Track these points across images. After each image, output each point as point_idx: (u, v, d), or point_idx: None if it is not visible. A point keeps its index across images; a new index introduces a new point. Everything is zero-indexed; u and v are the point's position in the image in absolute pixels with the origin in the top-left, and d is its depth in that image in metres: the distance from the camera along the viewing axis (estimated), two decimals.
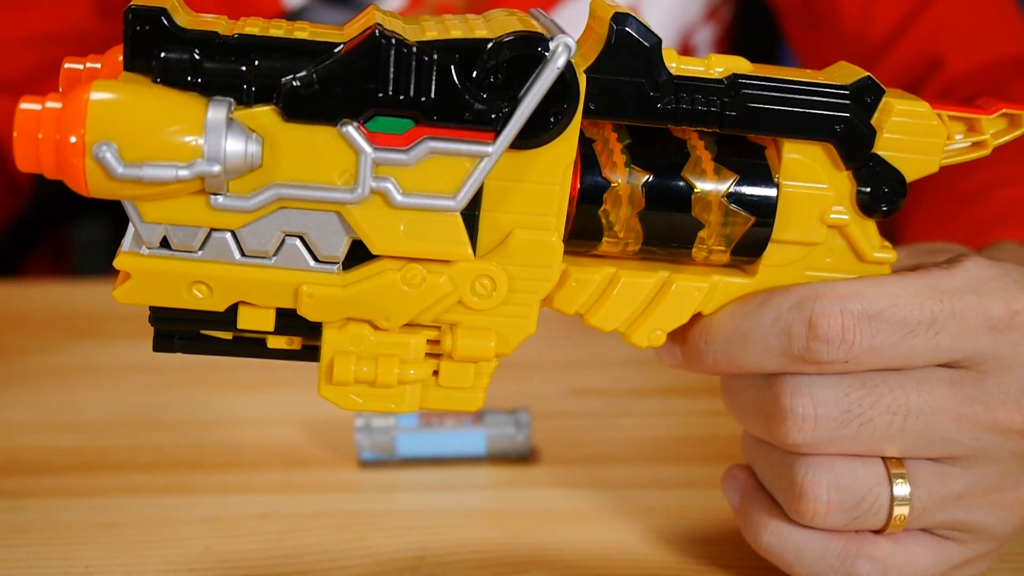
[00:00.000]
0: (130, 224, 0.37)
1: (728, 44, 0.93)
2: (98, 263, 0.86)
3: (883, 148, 0.40)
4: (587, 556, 0.48)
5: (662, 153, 0.40)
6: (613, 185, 0.39)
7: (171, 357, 0.64)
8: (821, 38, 0.81)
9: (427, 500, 0.52)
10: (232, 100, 0.36)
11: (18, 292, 0.76)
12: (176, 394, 0.61)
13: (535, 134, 0.37)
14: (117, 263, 0.37)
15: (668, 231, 0.40)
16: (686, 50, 0.88)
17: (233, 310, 0.38)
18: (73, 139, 0.34)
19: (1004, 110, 0.41)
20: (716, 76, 0.39)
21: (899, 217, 0.70)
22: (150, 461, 0.55)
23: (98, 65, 0.37)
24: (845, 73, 0.40)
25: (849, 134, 0.39)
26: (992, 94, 0.43)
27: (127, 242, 0.37)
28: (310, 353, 0.40)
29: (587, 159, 0.39)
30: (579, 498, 0.52)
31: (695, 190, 0.40)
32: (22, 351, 0.66)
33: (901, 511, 0.41)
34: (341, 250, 0.38)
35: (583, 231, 0.40)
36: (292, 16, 0.81)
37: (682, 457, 0.56)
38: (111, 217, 0.88)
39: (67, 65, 0.37)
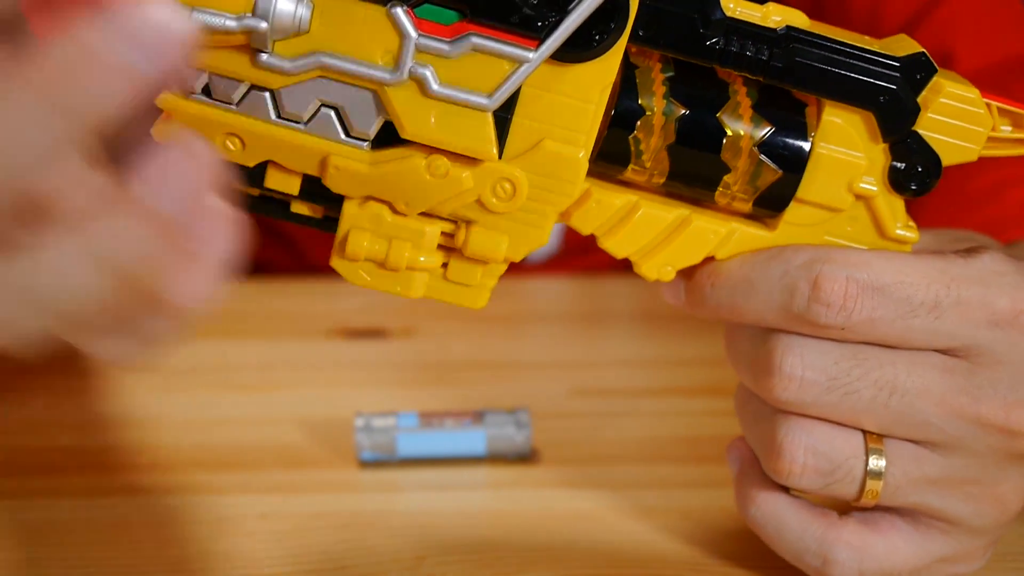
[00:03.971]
0: None
1: None
2: None
3: (925, 127, 0.40)
4: (587, 556, 0.48)
5: (702, 91, 0.40)
6: (648, 113, 0.40)
7: (171, 356, 0.65)
8: None
9: (427, 500, 0.52)
10: None
11: None
12: (176, 394, 0.61)
13: (578, 49, 0.37)
14: (159, 101, 0.38)
15: (694, 169, 0.40)
16: None
17: (262, 169, 0.39)
18: None
19: None
20: (771, 25, 0.39)
21: (910, 210, 0.70)
22: (150, 461, 0.55)
23: None
24: (902, 45, 0.40)
25: (892, 107, 0.39)
26: (1001, 93, 0.43)
27: None
28: (329, 224, 0.41)
29: (627, 83, 0.40)
30: (579, 498, 0.52)
31: (727, 133, 0.40)
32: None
33: (874, 485, 0.41)
34: (373, 128, 0.39)
35: (611, 154, 0.40)
36: None
37: (682, 457, 0.56)
38: None
39: None
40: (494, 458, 0.55)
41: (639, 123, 0.40)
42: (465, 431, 0.54)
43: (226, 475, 0.53)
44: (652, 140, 0.40)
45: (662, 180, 0.41)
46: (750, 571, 0.46)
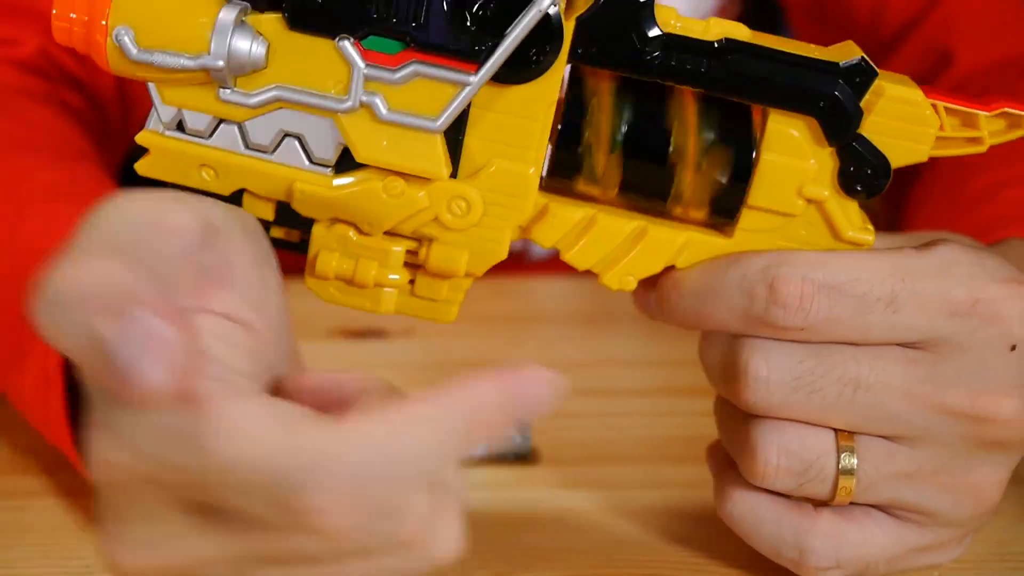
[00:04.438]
0: (152, 105, 0.41)
1: None
2: None
3: (870, 130, 0.40)
4: (587, 556, 0.48)
5: (647, 104, 0.41)
6: (593, 127, 0.41)
7: None
8: (831, 35, 0.80)
9: None
10: (247, 5, 0.39)
11: None
12: None
13: (519, 70, 0.39)
14: (139, 138, 0.41)
15: (643, 181, 0.41)
16: None
17: (238, 196, 0.41)
18: (102, 22, 0.38)
19: (1005, 109, 0.41)
20: (710, 38, 0.40)
21: (905, 215, 0.70)
22: None
23: None
24: (844, 52, 0.41)
25: (834, 112, 0.40)
26: (1002, 92, 0.43)
27: (150, 122, 0.41)
28: (305, 246, 0.43)
29: (576, 99, 0.41)
30: (579, 498, 0.52)
31: (671, 145, 0.41)
32: None
33: (846, 483, 0.42)
34: (333, 154, 0.41)
35: (562, 168, 0.41)
36: None
37: (682, 457, 0.56)
38: None
39: None
40: (494, 458, 0.55)
41: (585, 137, 0.41)
42: None
43: None
44: (599, 154, 0.41)
45: (614, 192, 0.42)
46: (749, 571, 0.46)
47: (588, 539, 0.49)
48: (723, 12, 0.89)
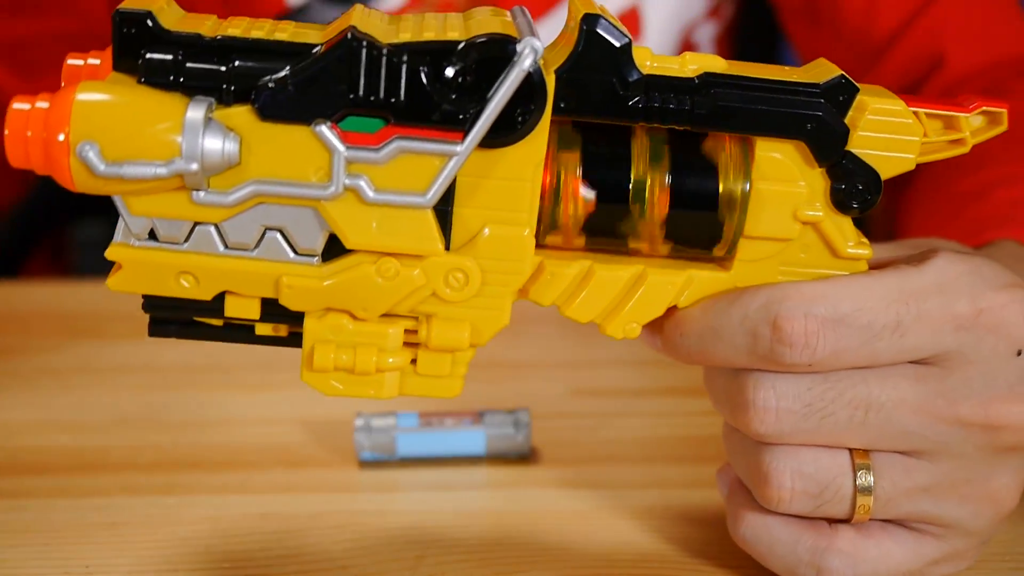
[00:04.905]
0: (120, 217, 0.39)
1: (729, 42, 0.93)
2: (98, 263, 0.86)
3: (857, 146, 0.40)
4: (587, 556, 0.48)
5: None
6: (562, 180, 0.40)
7: (171, 356, 0.65)
8: (823, 36, 0.81)
9: (427, 500, 0.52)
10: (213, 100, 0.37)
11: (18, 292, 0.76)
12: (176, 394, 0.61)
13: (504, 133, 0.38)
14: (108, 254, 0.39)
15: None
16: (687, 47, 0.88)
17: (221, 298, 0.40)
18: (60, 137, 0.36)
19: (983, 108, 0.41)
20: (688, 75, 0.39)
21: (901, 217, 0.70)
22: (150, 461, 0.55)
23: (98, 61, 0.39)
24: (821, 71, 0.40)
25: (821, 132, 0.40)
26: (994, 93, 0.43)
27: (118, 234, 0.39)
28: (296, 340, 0.41)
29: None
30: (579, 498, 0.52)
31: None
32: (22, 351, 0.66)
33: (865, 501, 0.41)
34: (319, 243, 0.39)
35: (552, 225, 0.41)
36: (294, 14, 0.81)
37: (682, 457, 0.56)
38: (111, 217, 0.88)
39: (69, 61, 0.39)
40: (494, 458, 0.55)
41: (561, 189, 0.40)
42: (465, 431, 0.54)
43: (226, 475, 0.53)
44: (570, 207, 0.40)
45: (582, 241, 0.41)
46: (750, 571, 0.46)
47: (588, 539, 0.49)
48: (716, 13, 0.89)
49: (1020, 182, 0.62)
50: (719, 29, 0.90)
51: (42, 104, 0.36)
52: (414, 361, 0.41)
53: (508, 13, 0.40)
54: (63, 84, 0.38)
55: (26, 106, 0.36)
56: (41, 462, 0.54)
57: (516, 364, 0.65)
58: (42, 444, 0.56)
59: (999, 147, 0.47)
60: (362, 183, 0.38)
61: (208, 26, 0.38)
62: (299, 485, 0.53)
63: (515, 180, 0.39)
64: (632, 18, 0.84)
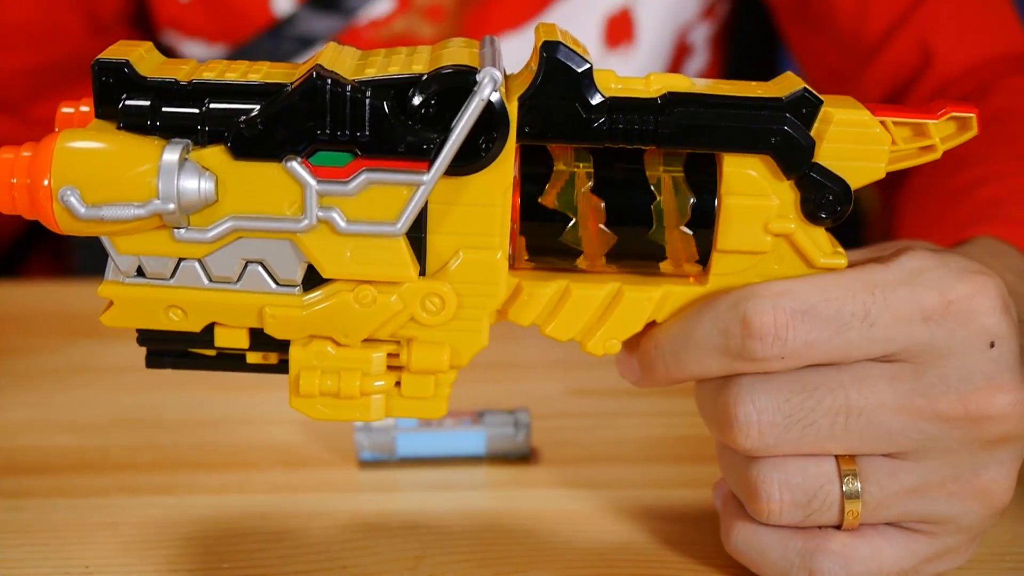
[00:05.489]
0: (108, 256, 0.41)
1: (724, 42, 0.93)
2: (98, 263, 0.86)
3: (824, 157, 0.40)
4: (587, 556, 0.48)
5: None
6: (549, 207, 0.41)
7: None
8: (816, 36, 0.81)
9: (427, 500, 0.52)
10: (189, 142, 0.39)
11: (18, 292, 0.76)
12: (176, 394, 0.61)
13: (470, 161, 0.39)
14: (100, 292, 0.41)
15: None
16: (682, 49, 0.88)
17: (210, 330, 0.42)
18: (44, 183, 0.38)
19: (952, 113, 0.41)
20: (651, 95, 0.40)
21: (894, 216, 0.70)
22: (150, 461, 0.55)
23: (88, 108, 0.41)
24: (786, 85, 0.41)
25: (786, 146, 0.40)
26: (985, 91, 0.43)
27: (108, 272, 0.41)
28: (286, 367, 0.43)
29: (536, 177, 0.41)
30: (579, 498, 0.52)
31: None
32: (22, 351, 0.66)
33: (853, 507, 0.42)
34: (298, 273, 0.41)
35: (536, 246, 0.42)
36: (282, 23, 0.82)
37: (682, 457, 0.56)
38: None
39: (62, 110, 0.41)
40: (494, 458, 0.55)
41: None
42: (465, 431, 0.54)
43: (226, 475, 0.54)
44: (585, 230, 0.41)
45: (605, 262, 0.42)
46: (748, 571, 0.46)
47: (588, 539, 0.49)
48: (711, 13, 0.89)
49: (1001, 179, 0.62)
50: (714, 30, 0.90)
51: (26, 153, 0.38)
52: (399, 383, 0.42)
53: (478, 43, 0.41)
54: (56, 130, 0.40)
55: (10, 156, 0.38)
56: (41, 462, 0.54)
57: (516, 364, 0.65)
58: (42, 444, 0.56)
59: (986, 146, 0.47)
60: (334, 215, 0.39)
61: (185, 71, 0.40)
62: (299, 485, 0.53)
63: (485, 206, 0.40)
64: (624, 21, 0.84)
